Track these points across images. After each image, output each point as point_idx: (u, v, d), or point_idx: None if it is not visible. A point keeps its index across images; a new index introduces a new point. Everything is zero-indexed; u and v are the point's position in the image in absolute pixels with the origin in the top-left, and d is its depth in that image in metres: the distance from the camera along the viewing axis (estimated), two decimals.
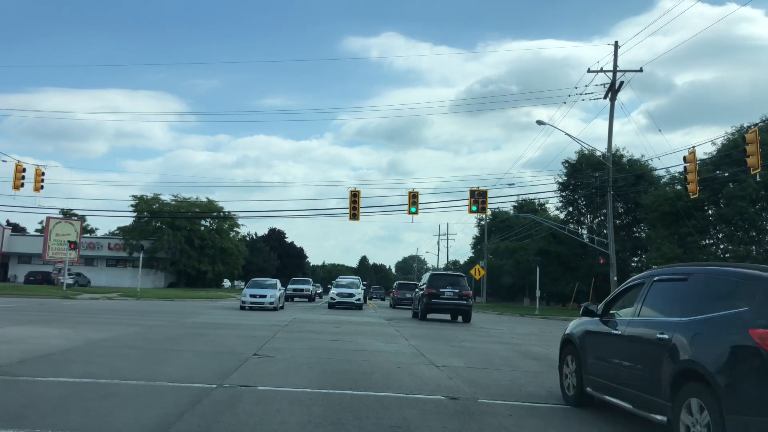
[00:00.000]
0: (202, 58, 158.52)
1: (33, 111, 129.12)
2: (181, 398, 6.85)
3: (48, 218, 49.52)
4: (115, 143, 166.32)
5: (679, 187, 36.53)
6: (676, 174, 36.38)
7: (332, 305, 33.56)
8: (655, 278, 6.21)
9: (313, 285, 47.07)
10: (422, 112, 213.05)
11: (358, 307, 33.68)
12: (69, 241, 41.21)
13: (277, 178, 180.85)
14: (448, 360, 11.31)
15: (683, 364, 5.04)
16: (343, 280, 38.97)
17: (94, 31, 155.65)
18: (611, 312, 6.84)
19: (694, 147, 23.22)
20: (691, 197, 23.46)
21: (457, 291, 22.58)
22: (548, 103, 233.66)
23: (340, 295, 34.11)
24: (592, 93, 34.17)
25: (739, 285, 5.10)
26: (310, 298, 42.91)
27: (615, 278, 35.50)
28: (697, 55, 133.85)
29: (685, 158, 22.47)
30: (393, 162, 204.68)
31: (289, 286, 40.08)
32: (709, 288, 5.40)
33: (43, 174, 30.83)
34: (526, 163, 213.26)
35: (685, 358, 5.03)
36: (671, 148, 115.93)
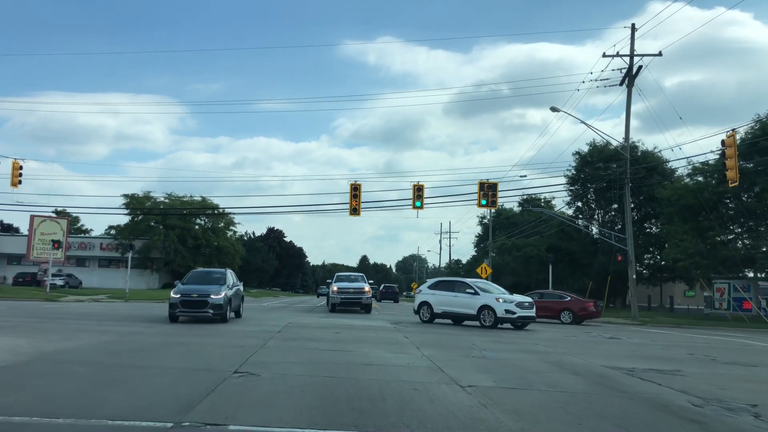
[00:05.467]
0: (204, 64, 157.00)
1: (36, 110, 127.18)
2: None
3: (32, 217, 46.87)
4: (116, 146, 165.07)
5: (700, 178, 34.42)
6: (698, 164, 34.22)
7: (335, 306, 27.32)
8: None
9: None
10: (420, 111, 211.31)
11: (366, 308, 27.49)
12: (53, 241, 39.00)
13: (277, 179, 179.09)
14: (473, 377, 9.24)
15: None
16: (343, 275, 31.33)
17: (97, 35, 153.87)
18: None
19: (733, 130, 21.18)
20: (730, 185, 21.32)
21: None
22: (543, 105, 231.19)
23: (343, 291, 26.95)
24: (608, 79, 32.23)
25: None
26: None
27: (634, 276, 33.36)
28: (687, 57, 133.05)
29: (723, 142, 20.31)
30: (390, 163, 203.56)
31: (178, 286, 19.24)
32: None
33: (21, 168, 28.76)
34: (526, 164, 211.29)
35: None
36: (668, 146, 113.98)
